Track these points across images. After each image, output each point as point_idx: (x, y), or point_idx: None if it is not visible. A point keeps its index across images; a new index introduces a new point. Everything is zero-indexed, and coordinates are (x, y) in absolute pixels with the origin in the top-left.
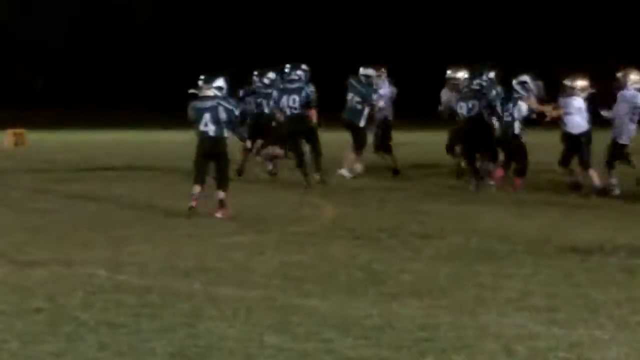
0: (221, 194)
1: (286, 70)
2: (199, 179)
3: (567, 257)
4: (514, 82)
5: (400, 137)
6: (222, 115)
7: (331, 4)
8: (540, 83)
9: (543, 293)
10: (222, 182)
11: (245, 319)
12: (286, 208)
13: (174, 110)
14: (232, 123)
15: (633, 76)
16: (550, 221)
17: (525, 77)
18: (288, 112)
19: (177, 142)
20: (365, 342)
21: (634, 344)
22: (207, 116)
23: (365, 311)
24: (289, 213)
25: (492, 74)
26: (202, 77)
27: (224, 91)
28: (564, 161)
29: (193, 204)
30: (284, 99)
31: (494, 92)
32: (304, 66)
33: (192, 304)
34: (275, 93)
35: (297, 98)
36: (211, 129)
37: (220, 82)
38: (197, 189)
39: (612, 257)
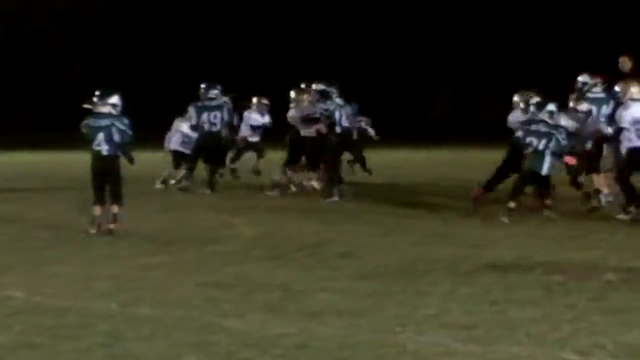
0: (115, 209)
1: (202, 89)
2: (98, 199)
3: (485, 275)
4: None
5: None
6: (116, 135)
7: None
8: None
9: (461, 311)
10: (116, 198)
11: (163, 339)
12: (204, 228)
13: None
14: (125, 144)
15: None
16: (469, 238)
17: None
18: (206, 127)
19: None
20: None
21: None
22: (100, 135)
23: (284, 330)
24: (206, 233)
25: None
26: (96, 92)
27: (119, 108)
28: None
29: (93, 231)
30: (204, 115)
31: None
32: (218, 86)
33: (111, 325)
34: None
35: (218, 115)
36: (104, 148)
37: (115, 99)
38: (97, 210)
39: (529, 274)
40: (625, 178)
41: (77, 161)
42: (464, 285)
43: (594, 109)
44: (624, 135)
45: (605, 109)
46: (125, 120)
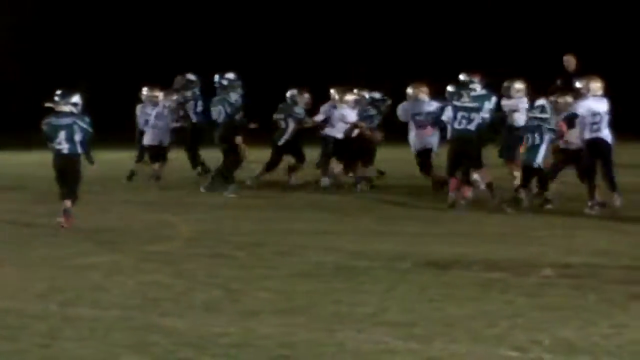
0: (67, 204)
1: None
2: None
3: (424, 272)
4: None
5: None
6: (77, 134)
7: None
8: None
9: (400, 308)
10: (69, 193)
11: (102, 339)
12: (143, 227)
13: (28, 131)
14: (86, 143)
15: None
16: (408, 236)
17: None
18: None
19: (30, 162)
20: None
21: (490, 357)
22: (62, 134)
23: (223, 329)
24: (145, 232)
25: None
26: (58, 92)
27: (79, 107)
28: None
29: (62, 221)
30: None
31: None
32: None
33: (49, 325)
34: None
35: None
36: (65, 147)
37: (76, 98)
38: (67, 203)
39: (467, 271)
40: (590, 171)
41: (17, 162)
42: (402, 282)
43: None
44: (581, 127)
45: (488, 105)
46: (87, 119)
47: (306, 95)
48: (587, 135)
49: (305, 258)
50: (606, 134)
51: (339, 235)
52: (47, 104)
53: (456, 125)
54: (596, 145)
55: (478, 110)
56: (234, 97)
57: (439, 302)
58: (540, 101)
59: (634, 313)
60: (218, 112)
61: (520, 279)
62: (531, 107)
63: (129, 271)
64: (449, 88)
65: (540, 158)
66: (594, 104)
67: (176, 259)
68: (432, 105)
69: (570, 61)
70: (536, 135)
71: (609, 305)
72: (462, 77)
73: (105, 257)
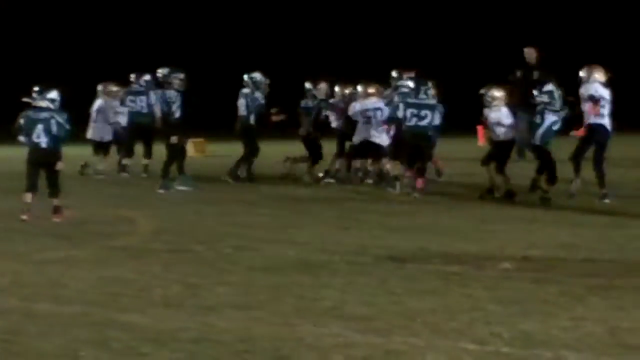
0: (55, 201)
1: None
2: (31, 187)
3: (383, 266)
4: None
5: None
6: (54, 128)
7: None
8: None
9: (359, 302)
10: (53, 191)
11: (62, 335)
12: (102, 223)
13: None
14: (62, 137)
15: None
16: (367, 230)
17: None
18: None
19: None
20: (182, 355)
21: (449, 351)
22: (39, 127)
23: (183, 324)
24: (105, 228)
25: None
26: (36, 88)
27: (57, 103)
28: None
29: (25, 217)
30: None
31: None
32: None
33: (9, 320)
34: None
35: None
36: (43, 141)
37: (53, 94)
38: (28, 197)
39: (427, 264)
40: (579, 155)
41: None
42: (362, 276)
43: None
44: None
45: (412, 100)
46: (64, 115)
47: (323, 85)
48: (589, 120)
49: (265, 252)
50: (607, 121)
51: (299, 229)
52: (25, 99)
53: (411, 123)
54: (595, 131)
55: (433, 108)
56: (259, 95)
57: (399, 296)
58: (549, 86)
59: (593, 306)
60: (240, 105)
61: (479, 273)
62: (540, 91)
63: (88, 266)
64: (407, 85)
65: (538, 137)
66: (600, 89)
67: (136, 254)
68: (381, 103)
69: (530, 53)
70: (538, 116)
71: (568, 298)
72: (394, 73)
73: (65, 252)
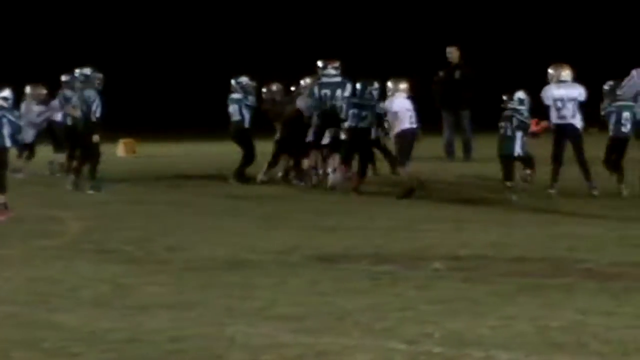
0: (1, 198)
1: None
2: None
3: (313, 266)
4: None
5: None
6: (6, 127)
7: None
8: None
9: (290, 302)
10: (1, 187)
11: None
12: (32, 222)
13: None
14: (15, 136)
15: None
16: (298, 230)
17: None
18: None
19: None
20: (113, 355)
21: (379, 350)
22: None
23: (113, 324)
24: (34, 228)
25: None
26: None
27: (10, 102)
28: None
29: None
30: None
31: None
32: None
33: None
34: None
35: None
36: None
37: (6, 92)
38: None
39: (357, 264)
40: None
41: None
42: (292, 276)
43: (329, 92)
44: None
45: (340, 93)
46: (17, 113)
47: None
48: (555, 120)
49: (195, 252)
50: (576, 120)
51: (230, 229)
52: None
53: (352, 123)
54: (563, 131)
55: (373, 108)
56: (251, 99)
57: (329, 296)
58: (520, 94)
59: (523, 305)
60: (234, 111)
61: (410, 272)
62: (510, 98)
63: (17, 267)
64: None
65: (518, 147)
66: (557, 90)
67: (65, 254)
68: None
69: (453, 52)
70: (508, 125)
71: (497, 297)
72: (319, 63)
73: None
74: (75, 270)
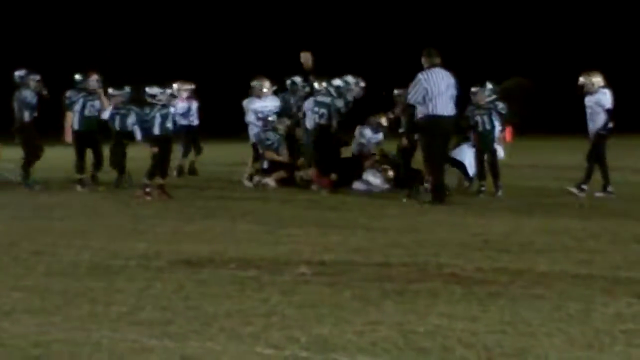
0: None
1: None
2: None
3: (179, 271)
4: None
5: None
6: None
7: None
8: None
9: (155, 307)
10: None
11: None
12: None
13: None
14: None
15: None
16: (162, 234)
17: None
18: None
19: None
20: None
21: (245, 355)
22: None
23: None
24: None
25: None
26: None
27: None
28: None
29: None
30: None
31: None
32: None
33: None
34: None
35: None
36: None
37: None
38: None
39: (223, 269)
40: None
41: None
42: (157, 281)
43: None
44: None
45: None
46: None
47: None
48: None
49: (59, 257)
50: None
51: (94, 234)
52: None
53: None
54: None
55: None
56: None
57: (195, 300)
58: (490, 85)
59: (388, 310)
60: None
61: (275, 277)
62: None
63: None
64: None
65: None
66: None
67: None
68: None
69: (308, 58)
70: (486, 119)
71: (363, 302)
72: (77, 76)
73: None
74: None
